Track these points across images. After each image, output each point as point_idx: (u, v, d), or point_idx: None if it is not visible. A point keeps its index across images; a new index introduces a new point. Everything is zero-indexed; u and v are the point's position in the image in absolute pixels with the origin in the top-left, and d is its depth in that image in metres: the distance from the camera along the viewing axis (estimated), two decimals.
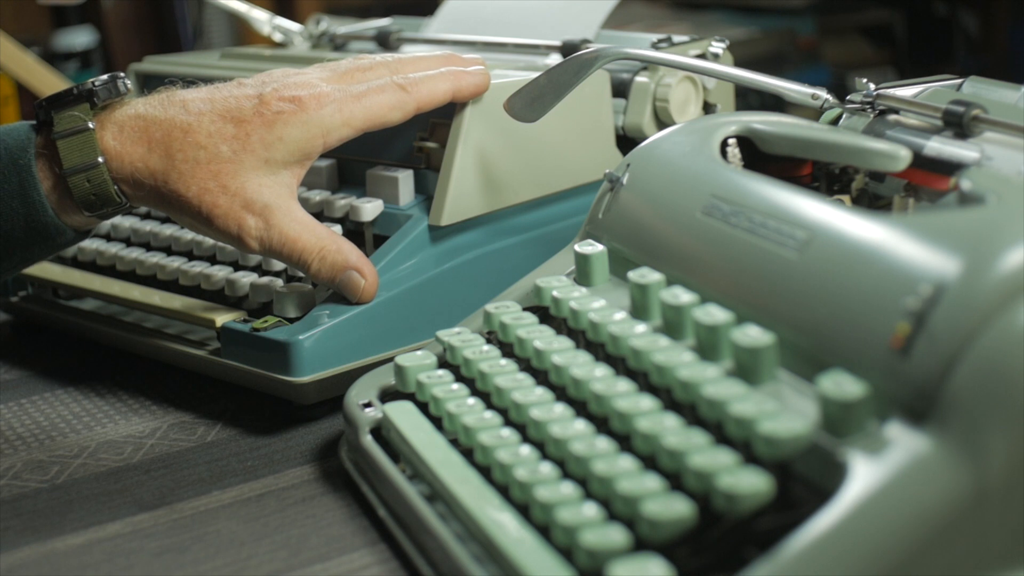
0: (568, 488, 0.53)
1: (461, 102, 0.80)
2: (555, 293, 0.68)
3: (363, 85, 0.77)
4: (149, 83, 1.00)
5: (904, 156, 0.65)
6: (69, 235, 0.74)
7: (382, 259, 0.79)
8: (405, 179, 0.82)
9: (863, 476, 0.47)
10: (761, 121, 0.71)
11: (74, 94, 0.73)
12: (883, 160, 0.65)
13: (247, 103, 0.75)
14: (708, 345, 0.58)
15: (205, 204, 0.73)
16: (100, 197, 0.73)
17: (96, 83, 0.74)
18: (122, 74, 0.76)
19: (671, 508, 0.49)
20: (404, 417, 0.64)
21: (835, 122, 0.74)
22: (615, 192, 0.72)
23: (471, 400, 0.63)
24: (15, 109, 1.45)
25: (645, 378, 0.59)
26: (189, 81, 0.78)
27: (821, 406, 0.51)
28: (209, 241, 0.86)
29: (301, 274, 0.80)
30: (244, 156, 0.73)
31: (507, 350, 0.68)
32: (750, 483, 0.48)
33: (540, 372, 0.64)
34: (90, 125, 0.72)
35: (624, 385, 0.58)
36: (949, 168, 0.65)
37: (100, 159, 0.72)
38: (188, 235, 0.88)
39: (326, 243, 0.75)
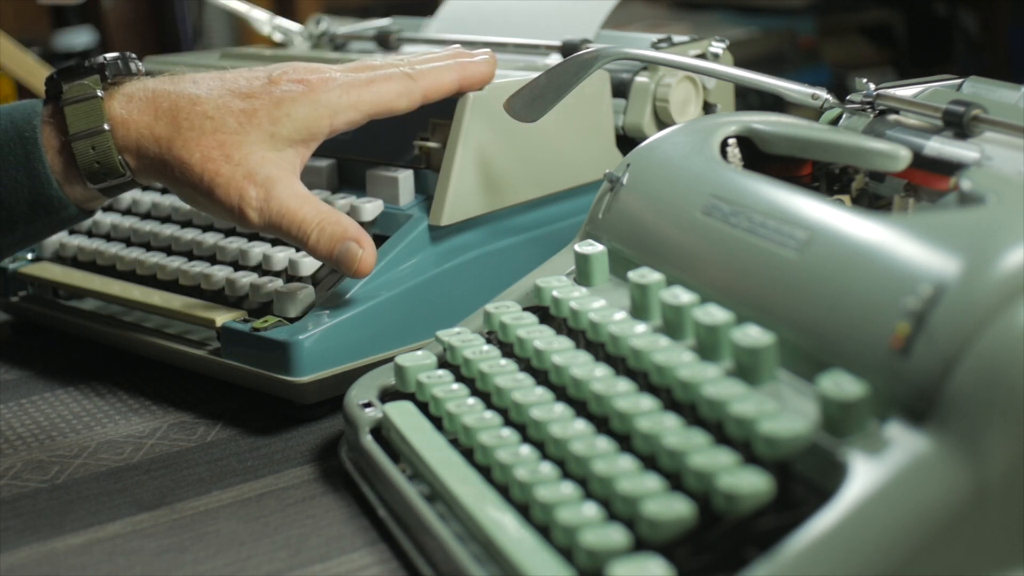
0: (568, 488, 0.53)
1: (467, 91, 0.81)
2: (555, 293, 0.68)
3: (371, 73, 0.78)
4: None
5: (904, 156, 0.65)
6: (72, 210, 0.74)
7: (382, 259, 0.79)
8: (405, 179, 0.82)
9: (863, 476, 0.47)
10: (761, 121, 0.71)
11: (85, 66, 0.75)
12: (883, 160, 0.65)
13: (257, 82, 0.75)
14: (708, 345, 0.58)
15: (208, 172, 0.73)
16: (103, 166, 0.73)
17: (107, 58, 0.75)
18: (134, 55, 0.77)
19: (671, 508, 0.49)
20: (404, 417, 0.64)
21: (835, 122, 0.74)
22: (615, 192, 0.72)
23: (471, 400, 0.63)
24: None
25: (645, 378, 0.59)
26: None
27: (821, 406, 0.51)
28: (209, 241, 0.86)
29: (302, 274, 0.80)
30: (250, 129, 0.74)
31: (507, 350, 0.68)
32: (750, 483, 0.48)
33: (540, 372, 0.64)
34: (99, 93, 0.73)
35: (624, 385, 0.58)
36: (949, 168, 0.65)
37: (106, 126, 0.73)
38: (188, 235, 0.88)
39: (326, 216, 0.75)
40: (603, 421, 0.58)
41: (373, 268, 0.76)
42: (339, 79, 0.76)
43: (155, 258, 0.88)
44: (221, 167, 0.73)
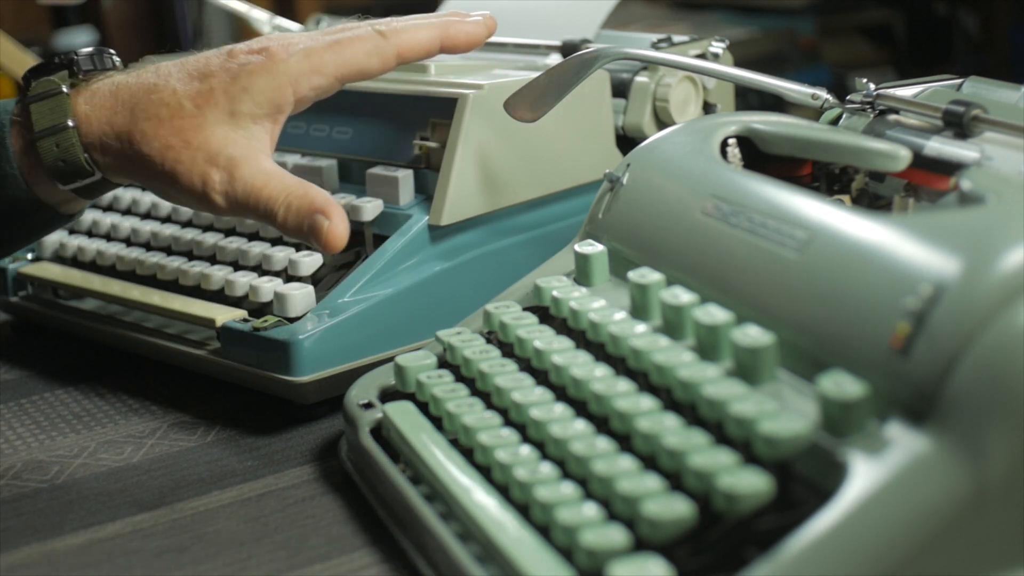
0: (568, 488, 0.53)
1: (451, 51, 0.76)
2: (555, 293, 0.68)
3: (339, 34, 0.74)
4: None
5: (904, 156, 0.65)
6: (47, 213, 0.72)
7: (382, 259, 0.79)
8: (405, 179, 0.82)
9: (863, 476, 0.47)
10: (761, 121, 0.71)
11: (56, 62, 0.72)
12: (883, 160, 0.65)
13: (216, 59, 0.71)
14: (708, 345, 0.58)
15: (168, 161, 0.69)
16: (68, 164, 0.70)
17: (79, 53, 0.72)
18: (111, 50, 0.74)
19: (671, 508, 0.49)
20: (404, 417, 0.64)
21: (835, 122, 0.74)
22: (615, 192, 0.72)
23: (471, 400, 0.63)
24: None
25: (645, 378, 0.59)
26: None
27: (821, 406, 0.51)
28: (209, 241, 0.86)
29: (302, 273, 0.80)
30: (207, 110, 0.70)
31: (507, 350, 0.68)
32: (750, 483, 0.48)
33: (540, 372, 0.64)
34: (64, 90, 0.70)
35: (624, 385, 0.58)
36: (949, 168, 0.65)
37: (70, 123, 0.70)
38: (188, 235, 0.88)
39: (292, 189, 0.70)
40: (603, 421, 0.58)
41: (343, 241, 0.70)
42: (300, 41, 0.72)
43: (155, 258, 0.88)
44: (181, 154, 0.69)
